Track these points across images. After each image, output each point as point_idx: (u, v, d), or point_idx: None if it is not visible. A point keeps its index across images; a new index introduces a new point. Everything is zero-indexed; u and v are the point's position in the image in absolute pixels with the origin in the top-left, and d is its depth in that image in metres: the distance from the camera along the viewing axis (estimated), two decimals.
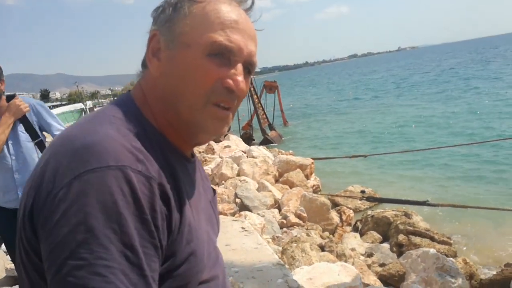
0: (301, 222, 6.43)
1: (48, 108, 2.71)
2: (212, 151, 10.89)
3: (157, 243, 0.63)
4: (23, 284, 0.68)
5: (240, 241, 3.77)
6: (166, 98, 0.75)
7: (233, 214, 5.97)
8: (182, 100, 0.73)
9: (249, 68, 0.77)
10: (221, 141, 14.15)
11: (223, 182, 8.17)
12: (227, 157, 9.40)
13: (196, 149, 10.98)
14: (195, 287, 0.75)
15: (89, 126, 0.68)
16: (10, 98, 2.92)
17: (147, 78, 0.79)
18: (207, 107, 0.73)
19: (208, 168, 8.97)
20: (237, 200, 6.83)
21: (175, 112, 0.75)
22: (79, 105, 37.57)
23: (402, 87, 38.22)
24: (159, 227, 0.63)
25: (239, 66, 0.74)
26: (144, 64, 0.81)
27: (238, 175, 8.56)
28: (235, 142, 12.39)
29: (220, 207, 6.19)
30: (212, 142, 11.55)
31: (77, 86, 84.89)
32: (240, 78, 0.74)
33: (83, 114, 34.65)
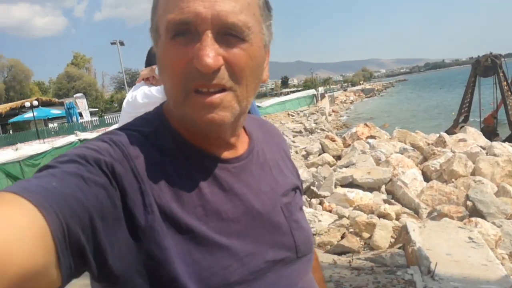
0: None
1: None
2: (443, 143, 9.85)
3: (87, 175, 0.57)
4: None
5: (465, 253, 3.27)
6: (167, 97, 0.70)
7: (461, 219, 5.26)
8: (169, 96, 0.68)
9: (231, 33, 0.62)
10: (455, 133, 12.69)
11: (452, 180, 7.31)
12: (460, 152, 8.33)
13: (424, 141, 10.21)
14: None
15: (121, 126, 0.72)
16: None
17: None
18: (188, 97, 0.63)
19: (436, 163, 8.18)
20: (468, 203, 5.99)
21: (173, 109, 0.69)
22: (312, 91, 40.49)
23: None
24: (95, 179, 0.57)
25: (205, 36, 0.60)
26: None
27: (473, 174, 7.50)
28: (472, 136, 10.86)
29: (446, 208, 5.56)
30: (444, 134, 10.47)
31: (312, 72, 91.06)
32: (206, 51, 0.59)
33: (314, 100, 37.30)
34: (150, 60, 2.41)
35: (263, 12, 0.68)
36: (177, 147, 0.69)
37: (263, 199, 0.73)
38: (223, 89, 0.63)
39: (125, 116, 2.39)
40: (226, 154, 0.73)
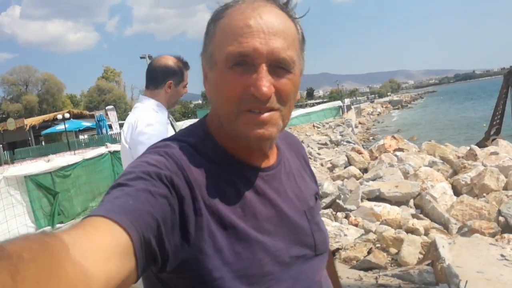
0: None
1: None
2: (473, 157, 9.59)
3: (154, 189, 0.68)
4: None
5: (497, 271, 3.16)
6: (217, 115, 0.82)
7: (492, 235, 5.09)
8: (221, 114, 0.79)
9: (281, 66, 0.74)
10: (486, 146, 12.32)
11: (484, 194, 7.09)
12: (492, 166, 8.08)
13: (454, 154, 9.91)
14: None
15: (171, 136, 0.87)
16: None
17: None
18: (241, 115, 0.75)
19: (466, 177, 7.96)
20: (500, 219, 5.78)
21: (223, 125, 0.80)
22: (337, 103, 40.23)
23: None
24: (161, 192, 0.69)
25: (261, 68, 0.73)
26: None
27: (505, 188, 7.27)
28: (505, 149, 10.52)
29: (477, 224, 5.39)
30: (474, 147, 10.20)
31: (338, 84, 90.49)
32: (262, 82, 0.72)
33: (340, 112, 37.07)
34: (166, 74, 2.31)
35: (301, 45, 0.81)
36: (220, 157, 0.81)
37: (290, 204, 0.86)
38: (271, 109, 0.76)
39: (140, 148, 2.02)
40: (261, 164, 0.85)
